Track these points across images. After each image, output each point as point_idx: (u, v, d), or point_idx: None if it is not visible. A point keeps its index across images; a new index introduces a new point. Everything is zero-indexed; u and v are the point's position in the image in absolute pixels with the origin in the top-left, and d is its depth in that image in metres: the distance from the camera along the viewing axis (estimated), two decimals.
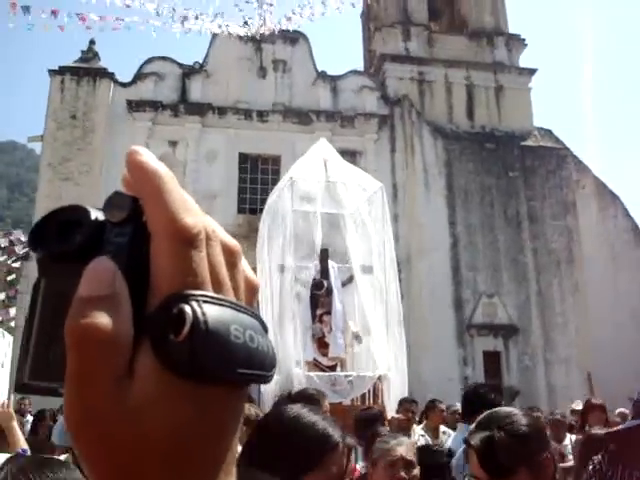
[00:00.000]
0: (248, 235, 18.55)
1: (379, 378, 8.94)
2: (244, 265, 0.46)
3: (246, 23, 18.79)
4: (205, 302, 0.39)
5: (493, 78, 22.14)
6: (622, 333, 20.08)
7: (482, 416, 1.83)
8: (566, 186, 21.33)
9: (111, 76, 20.00)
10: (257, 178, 19.46)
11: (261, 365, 0.41)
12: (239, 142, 19.30)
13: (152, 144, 18.81)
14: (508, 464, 1.68)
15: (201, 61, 20.56)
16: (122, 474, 0.38)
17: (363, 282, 10.14)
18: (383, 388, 8.91)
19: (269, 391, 8.29)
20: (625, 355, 19.40)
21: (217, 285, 0.41)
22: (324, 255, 10.27)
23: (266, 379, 0.42)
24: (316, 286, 9.95)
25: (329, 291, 9.96)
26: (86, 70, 19.69)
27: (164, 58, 20.42)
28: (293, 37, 20.37)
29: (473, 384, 4.70)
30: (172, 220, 0.40)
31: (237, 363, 0.39)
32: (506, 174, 20.74)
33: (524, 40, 23.26)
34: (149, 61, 20.34)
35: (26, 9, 14.46)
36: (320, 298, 9.93)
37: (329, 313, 9.82)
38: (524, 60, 23.26)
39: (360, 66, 24.60)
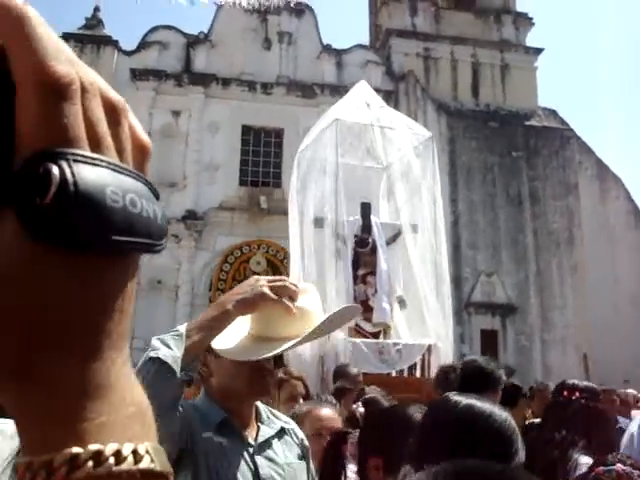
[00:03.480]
0: (249, 207, 18.65)
1: (428, 348, 8.09)
2: (133, 123, 0.42)
3: None
4: (76, 161, 0.35)
5: (499, 56, 21.97)
6: (620, 315, 20.20)
7: None
8: (569, 167, 21.25)
9: (115, 44, 19.84)
10: (259, 151, 19.36)
11: (146, 232, 0.37)
12: (242, 114, 19.18)
13: (155, 113, 18.73)
14: None
15: (206, 31, 20.39)
16: None
17: (411, 241, 9.11)
18: (431, 359, 8.04)
19: (310, 357, 7.47)
20: (622, 337, 19.51)
21: (95, 143, 0.37)
22: (366, 209, 9.16)
23: (154, 248, 0.39)
24: (360, 243, 8.84)
25: (374, 249, 8.86)
26: (90, 37, 19.53)
27: (169, 27, 20.22)
28: (299, 9, 20.16)
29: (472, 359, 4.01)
30: (39, 67, 0.35)
31: (114, 229, 0.35)
32: (509, 153, 20.67)
33: (531, 19, 23.04)
34: (154, 30, 20.14)
35: None
36: (363, 257, 8.85)
37: (373, 274, 8.74)
38: (531, 39, 23.08)
39: (366, 40, 24.39)
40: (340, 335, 7.59)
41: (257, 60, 19.83)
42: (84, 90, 0.37)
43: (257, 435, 2.07)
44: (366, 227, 8.95)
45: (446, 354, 8.14)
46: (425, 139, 9.51)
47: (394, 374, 7.76)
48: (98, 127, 0.38)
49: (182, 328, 1.67)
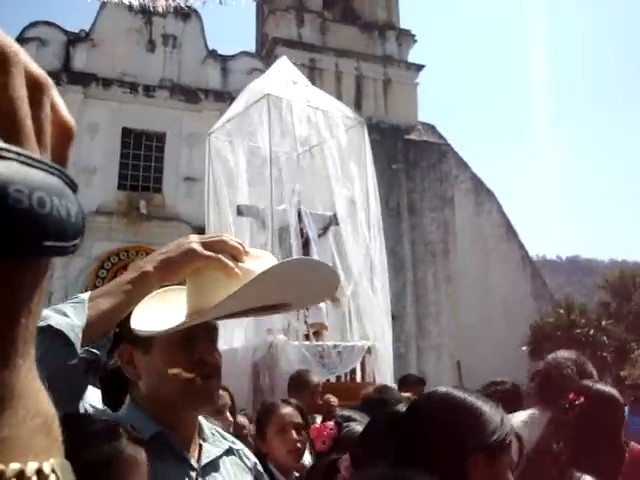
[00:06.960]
0: (128, 212, 18.18)
1: (368, 349, 7.56)
2: (55, 101, 0.37)
3: None
4: None
5: (382, 71, 22.54)
6: (492, 324, 21.11)
7: None
8: (445, 181, 22.07)
9: None
10: (140, 154, 18.93)
11: (58, 234, 0.33)
12: (123, 116, 18.69)
13: None
14: None
15: (87, 29, 19.78)
16: None
17: (344, 233, 8.34)
18: (367, 361, 7.57)
19: (242, 364, 6.86)
20: (494, 345, 20.41)
21: (11, 129, 0.33)
22: (296, 198, 8.27)
23: (65, 250, 0.35)
24: (291, 235, 7.97)
25: (307, 242, 7.96)
26: None
27: (48, 23, 19.44)
28: (185, 13, 19.91)
29: None
30: None
31: (17, 235, 0.31)
32: (389, 165, 21.20)
33: (414, 36, 23.80)
34: (32, 25, 19.28)
35: None
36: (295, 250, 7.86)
37: None
38: (413, 55, 23.84)
39: (252, 48, 24.43)
40: (280, 337, 7.00)
41: (140, 62, 19.39)
42: (5, 63, 0.33)
43: (200, 455, 1.55)
44: (297, 217, 8.07)
45: (385, 356, 7.75)
46: (356, 123, 8.56)
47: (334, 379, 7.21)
48: (18, 109, 0.33)
49: (85, 295, 1.22)
